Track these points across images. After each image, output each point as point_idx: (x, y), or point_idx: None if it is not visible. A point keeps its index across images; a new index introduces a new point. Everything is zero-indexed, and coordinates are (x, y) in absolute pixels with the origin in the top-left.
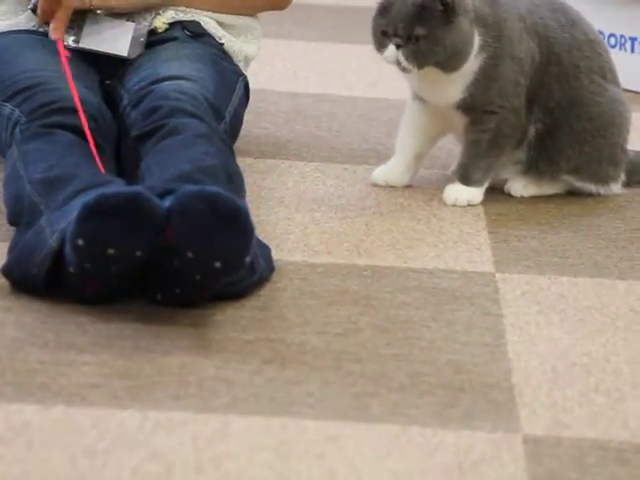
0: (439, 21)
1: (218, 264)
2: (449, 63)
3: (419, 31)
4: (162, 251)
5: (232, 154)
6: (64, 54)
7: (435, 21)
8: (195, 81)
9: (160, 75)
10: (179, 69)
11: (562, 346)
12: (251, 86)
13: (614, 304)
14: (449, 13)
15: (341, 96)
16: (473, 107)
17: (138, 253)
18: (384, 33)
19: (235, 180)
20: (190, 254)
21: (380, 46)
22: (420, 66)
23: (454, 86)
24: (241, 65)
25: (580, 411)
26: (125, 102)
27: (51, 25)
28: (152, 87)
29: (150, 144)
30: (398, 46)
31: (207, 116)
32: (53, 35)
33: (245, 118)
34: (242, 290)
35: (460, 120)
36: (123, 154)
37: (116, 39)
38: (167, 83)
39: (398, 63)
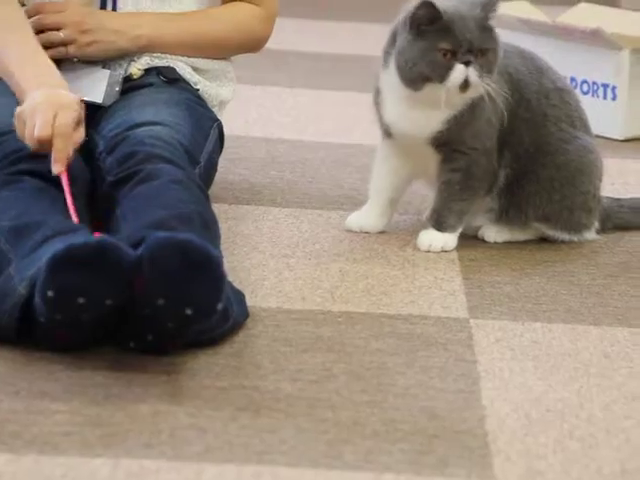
0: (494, 29)
1: (189, 311)
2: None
3: (489, 43)
4: (133, 299)
5: (207, 200)
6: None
7: (493, 30)
8: (170, 127)
9: (135, 121)
10: (154, 115)
11: (536, 392)
12: (226, 132)
13: (588, 350)
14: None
15: (316, 142)
16: (445, 143)
17: (109, 302)
18: (452, 54)
19: (211, 226)
20: (161, 301)
21: (443, 71)
22: (488, 79)
23: (437, 116)
24: (216, 110)
25: (554, 458)
26: (100, 148)
27: (52, 156)
28: (127, 133)
29: (125, 190)
30: (468, 63)
31: (182, 162)
32: (55, 170)
33: (220, 164)
34: (216, 337)
35: (432, 158)
36: (99, 200)
37: (91, 86)
38: (142, 129)
39: (464, 84)
